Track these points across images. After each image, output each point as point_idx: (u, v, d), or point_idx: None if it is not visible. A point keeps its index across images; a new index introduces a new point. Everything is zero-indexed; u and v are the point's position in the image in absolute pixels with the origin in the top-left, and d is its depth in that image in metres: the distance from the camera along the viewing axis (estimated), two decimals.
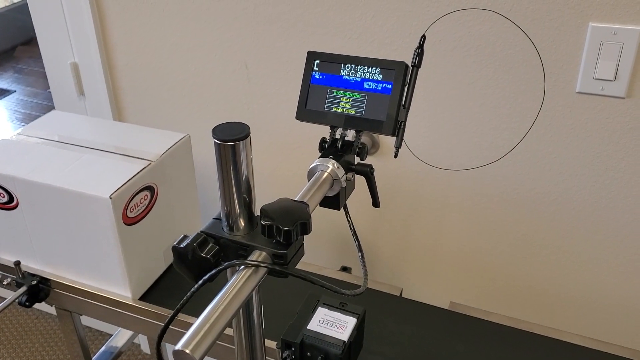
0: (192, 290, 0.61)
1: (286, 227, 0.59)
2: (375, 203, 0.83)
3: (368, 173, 0.79)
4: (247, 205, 0.63)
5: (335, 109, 0.78)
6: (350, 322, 0.99)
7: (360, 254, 0.77)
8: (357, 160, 0.81)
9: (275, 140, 1.48)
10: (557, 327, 1.17)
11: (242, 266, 0.60)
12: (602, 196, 1.25)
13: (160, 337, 0.63)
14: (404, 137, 0.77)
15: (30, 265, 1.31)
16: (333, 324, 0.98)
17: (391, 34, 1.26)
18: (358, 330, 0.99)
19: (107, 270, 1.22)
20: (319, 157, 0.76)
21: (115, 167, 1.20)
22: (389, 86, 0.76)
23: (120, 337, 1.59)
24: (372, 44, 1.29)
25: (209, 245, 0.61)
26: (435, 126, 1.32)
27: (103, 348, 1.54)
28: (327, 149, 0.78)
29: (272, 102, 1.45)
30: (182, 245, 0.61)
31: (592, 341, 1.12)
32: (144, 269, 1.26)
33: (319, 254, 1.58)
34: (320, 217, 1.54)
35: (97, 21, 1.53)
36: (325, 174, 0.74)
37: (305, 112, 0.79)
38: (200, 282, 0.60)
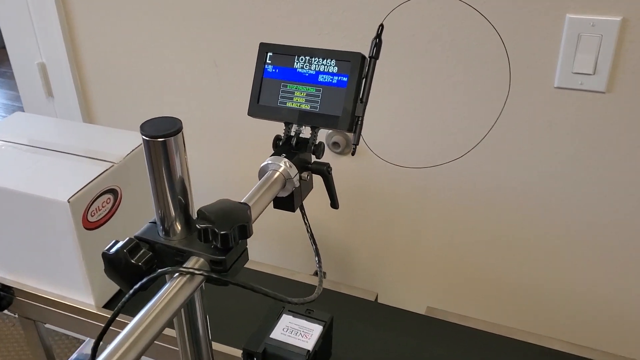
0: (122, 300, 0.56)
1: (223, 230, 0.54)
2: (334, 204, 0.78)
3: (325, 172, 0.74)
4: (183, 207, 0.58)
5: (289, 104, 0.73)
6: (316, 330, 0.94)
7: (317, 258, 0.73)
8: (314, 158, 0.76)
9: (248, 139, 1.44)
10: (537, 332, 1.12)
11: (176, 274, 0.55)
12: (583, 194, 1.20)
13: (93, 354, 0.58)
14: (362, 134, 0.72)
15: None
16: (297, 332, 0.93)
17: (363, 28, 1.22)
18: (324, 339, 0.94)
19: (69, 278, 1.17)
20: (271, 156, 0.71)
21: (76, 170, 1.15)
22: (345, 79, 0.71)
23: (91, 343, 1.53)
24: (344, 39, 1.24)
25: (141, 251, 0.56)
26: (408, 123, 1.27)
27: (74, 355, 1.49)
28: (281, 146, 0.74)
29: (244, 100, 1.40)
30: (112, 251, 0.56)
31: (573, 347, 1.08)
32: None
33: (292, 258, 1.54)
34: (293, 220, 1.49)
35: (63, 19, 1.48)
36: (277, 174, 0.69)
37: (258, 107, 0.75)
38: (131, 291, 0.55)
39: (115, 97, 1.55)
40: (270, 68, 0.74)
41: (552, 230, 1.26)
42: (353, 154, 0.72)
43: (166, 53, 1.42)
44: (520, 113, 1.17)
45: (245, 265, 1.31)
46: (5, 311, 1.28)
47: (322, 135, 1.33)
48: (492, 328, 1.13)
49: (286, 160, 0.70)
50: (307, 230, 0.75)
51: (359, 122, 0.71)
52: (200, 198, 0.63)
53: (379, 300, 1.26)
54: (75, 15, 1.48)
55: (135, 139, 1.25)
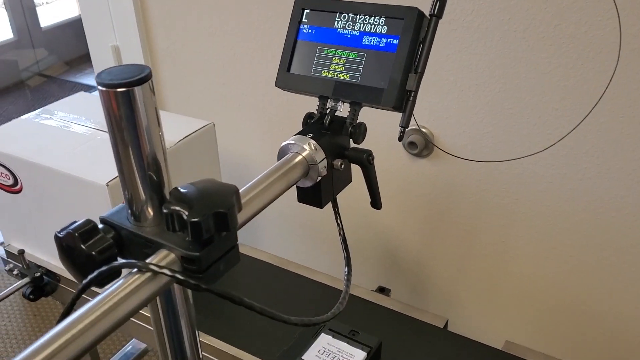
0: (71, 299, 0.44)
1: (194, 217, 0.41)
2: (374, 202, 0.62)
3: (364, 161, 0.58)
4: (156, 187, 0.45)
5: (324, 73, 0.58)
6: (358, 356, 0.78)
7: (346, 268, 0.57)
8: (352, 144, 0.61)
9: None
10: None
11: (134, 269, 0.42)
12: None
13: None
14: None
15: (37, 255, 1.20)
16: (335, 357, 0.78)
17: None
18: None
19: None
20: (295, 135, 0.57)
21: None
22: (395, 42, 0.55)
23: (136, 344, 1.45)
24: None
25: (98, 236, 0.44)
26: (494, 119, 1.09)
27: (118, 355, 1.41)
28: (310, 125, 0.59)
29: None
30: (63, 233, 0.44)
31: None
32: None
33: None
34: (360, 225, 1.34)
35: (137, 3, 1.42)
36: (299, 157, 0.55)
37: (287, 77, 0.61)
38: (79, 287, 0.43)
39: (184, 82, 1.47)
40: (305, 28, 0.60)
41: None
42: (400, 140, 0.56)
43: (235, 38, 1.32)
44: None
45: (301, 274, 1.18)
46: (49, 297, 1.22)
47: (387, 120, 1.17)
48: None
49: (312, 141, 0.55)
50: (339, 232, 0.59)
51: (411, 99, 0.55)
52: None
53: (449, 328, 1.08)
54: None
55: (189, 125, 1.15)
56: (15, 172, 1.11)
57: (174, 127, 1.14)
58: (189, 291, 0.50)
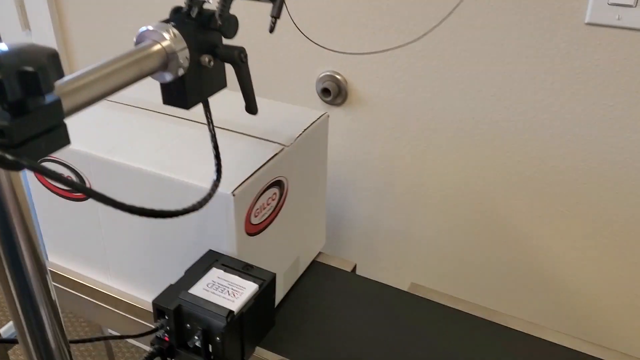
0: None
1: None
2: (249, 107, 0.58)
3: (236, 59, 0.54)
4: None
5: None
6: (249, 288, 0.74)
7: (216, 175, 0.53)
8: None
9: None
10: (538, 322, 0.90)
11: None
12: (615, 164, 0.97)
13: None
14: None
15: (102, 280, 0.90)
16: (224, 290, 0.74)
17: None
18: (259, 300, 0.75)
19: None
20: (156, 22, 0.52)
21: (233, 150, 0.79)
22: None
23: None
24: None
25: None
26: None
27: None
28: (176, 16, 0.54)
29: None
30: None
31: (578, 342, 0.85)
32: None
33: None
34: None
35: None
36: (157, 46, 0.50)
37: None
38: None
39: (96, 28, 1.40)
40: None
41: (570, 210, 1.03)
42: (271, 31, 0.52)
43: None
44: (542, 56, 0.95)
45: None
46: None
47: (298, 61, 1.14)
48: (486, 314, 0.92)
49: (173, 29, 0.51)
50: (210, 130, 0.55)
51: None
52: None
53: (358, 272, 1.06)
54: None
55: (301, 116, 0.88)
56: (81, 172, 0.80)
57: (287, 119, 0.88)
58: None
